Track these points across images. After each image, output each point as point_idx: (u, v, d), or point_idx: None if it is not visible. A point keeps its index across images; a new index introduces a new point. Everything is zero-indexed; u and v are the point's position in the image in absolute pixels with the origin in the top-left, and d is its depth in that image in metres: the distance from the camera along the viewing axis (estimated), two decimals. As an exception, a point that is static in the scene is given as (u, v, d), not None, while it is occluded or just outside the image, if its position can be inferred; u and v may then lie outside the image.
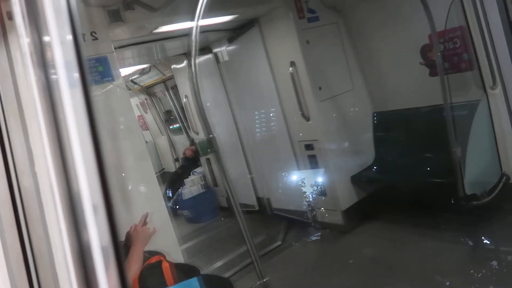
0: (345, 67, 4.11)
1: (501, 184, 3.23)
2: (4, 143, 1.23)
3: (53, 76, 0.54)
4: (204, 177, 5.83)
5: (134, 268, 1.94)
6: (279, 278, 3.28)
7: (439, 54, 3.10)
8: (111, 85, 2.88)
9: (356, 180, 4.01)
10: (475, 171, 3.24)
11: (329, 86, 3.96)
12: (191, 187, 5.63)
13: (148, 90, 7.78)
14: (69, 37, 0.53)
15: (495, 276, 2.66)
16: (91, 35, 2.79)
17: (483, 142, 3.31)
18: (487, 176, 3.32)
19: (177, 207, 5.72)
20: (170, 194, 5.88)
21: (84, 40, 2.73)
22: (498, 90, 3.16)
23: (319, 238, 4.02)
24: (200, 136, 5.51)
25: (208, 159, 5.64)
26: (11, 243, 1.20)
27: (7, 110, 1.28)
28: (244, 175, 4.97)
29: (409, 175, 3.74)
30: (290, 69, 3.84)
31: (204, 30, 4.10)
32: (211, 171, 5.70)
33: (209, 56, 4.95)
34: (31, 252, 1.21)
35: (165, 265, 1.95)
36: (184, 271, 2.03)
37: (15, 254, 1.20)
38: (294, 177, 4.29)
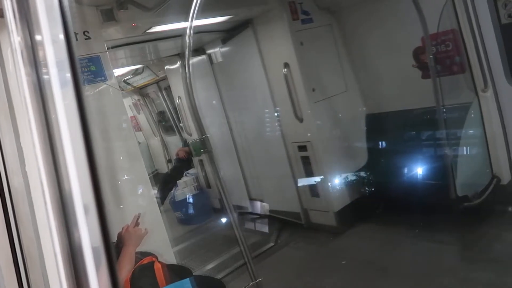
0: (338, 68, 4.12)
1: (492, 186, 3.26)
2: (-6, 143, 1.22)
3: (45, 76, 0.53)
4: (197, 178, 5.80)
5: (125, 269, 1.93)
6: (272, 279, 3.27)
7: (431, 56, 3.13)
8: (104, 85, 2.86)
9: (349, 181, 4.02)
10: (467, 173, 3.27)
11: (323, 87, 3.97)
12: (184, 188, 5.60)
13: (141, 91, 7.74)
14: (61, 36, 0.52)
15: (487, 276, 2.68)
16: (84, 34, 2.77)
17: (475, 144, 3.34)
18: (479, 178, 3.35)
19: (170, 208, 5.69)
20: (163, 195, 5.84)
21: (77, 39, 2.71)
22: (489, 92, 3.20)
23: (312, 239, 4.03)
24: (193, 137, 5.49)
25: (201, 161, 5.62)
26: (1, 244, 1.18)
27: (-3, 109, 1.26)
28: (237, 176, 4.97)
29: (402, 177, 3.76)
30: (284, 70, 3.84)
31: (198, 31, 4.09)
32: (204, 172, 5.68)
33: (203, 57, 4.94)
34: (21, 252, 1.19)
35: (157, 266, 1.94)
36: (177, 272, 2.02)
37: (5, 254, 1.18)
38: (287, 178, 4.29)
